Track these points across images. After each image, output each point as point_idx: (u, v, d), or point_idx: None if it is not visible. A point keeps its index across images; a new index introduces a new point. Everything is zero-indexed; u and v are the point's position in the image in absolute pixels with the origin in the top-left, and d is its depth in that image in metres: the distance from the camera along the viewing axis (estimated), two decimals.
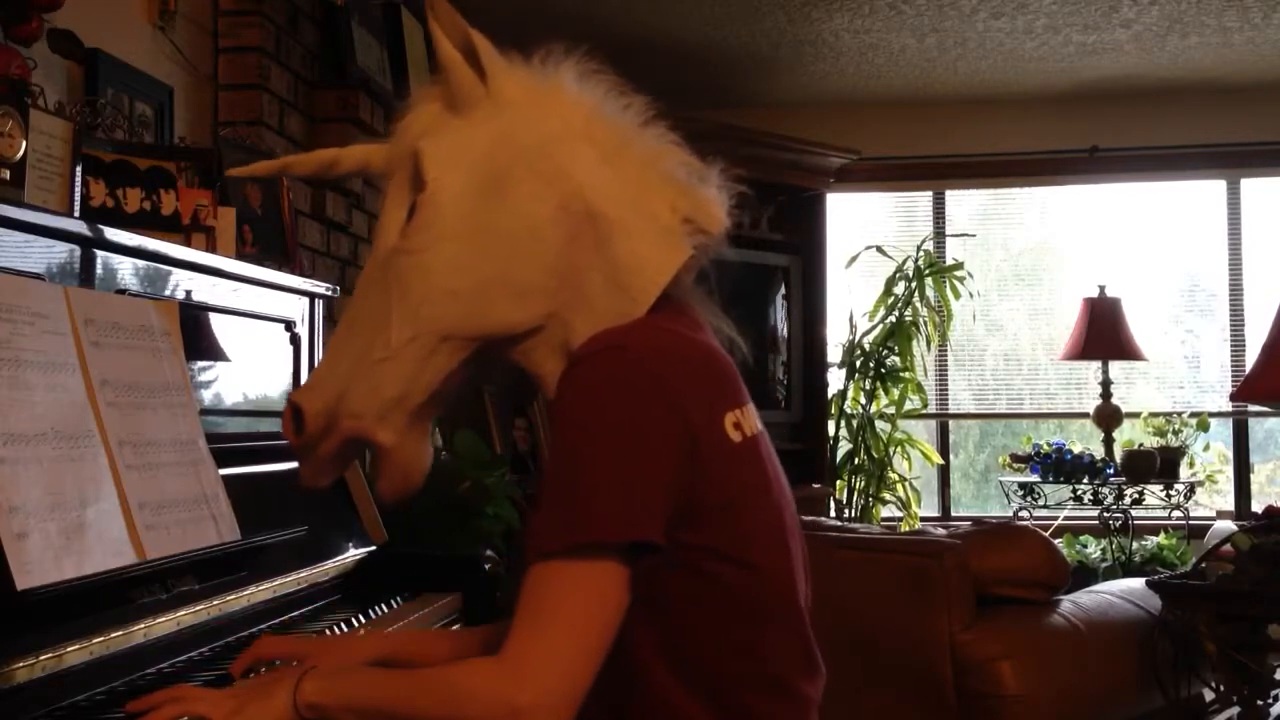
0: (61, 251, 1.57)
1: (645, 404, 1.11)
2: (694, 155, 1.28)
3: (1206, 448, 5.71)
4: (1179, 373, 6.20)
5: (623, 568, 1.09)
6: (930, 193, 6.21)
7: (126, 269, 1.70)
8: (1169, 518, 5.44)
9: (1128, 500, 5.34)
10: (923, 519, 5.78)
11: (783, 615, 1.19)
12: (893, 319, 5.68)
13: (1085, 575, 5.02)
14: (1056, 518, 5.52)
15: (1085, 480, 5.33)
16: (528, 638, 1.07)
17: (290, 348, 2.19)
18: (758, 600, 1.17)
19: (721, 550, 1.14)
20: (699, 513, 1.12)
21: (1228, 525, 5.01)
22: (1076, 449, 5.42)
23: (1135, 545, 5.38)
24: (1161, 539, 5.44)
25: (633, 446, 1.10)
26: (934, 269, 5.72)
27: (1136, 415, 5.66)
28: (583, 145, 1.22)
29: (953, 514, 6.13)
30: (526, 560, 1.10)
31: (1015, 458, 5.62)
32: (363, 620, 1.84)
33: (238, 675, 1.39)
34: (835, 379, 5.72)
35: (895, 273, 5.73)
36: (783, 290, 5.66)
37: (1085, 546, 5.46)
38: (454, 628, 2.01)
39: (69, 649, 1.32)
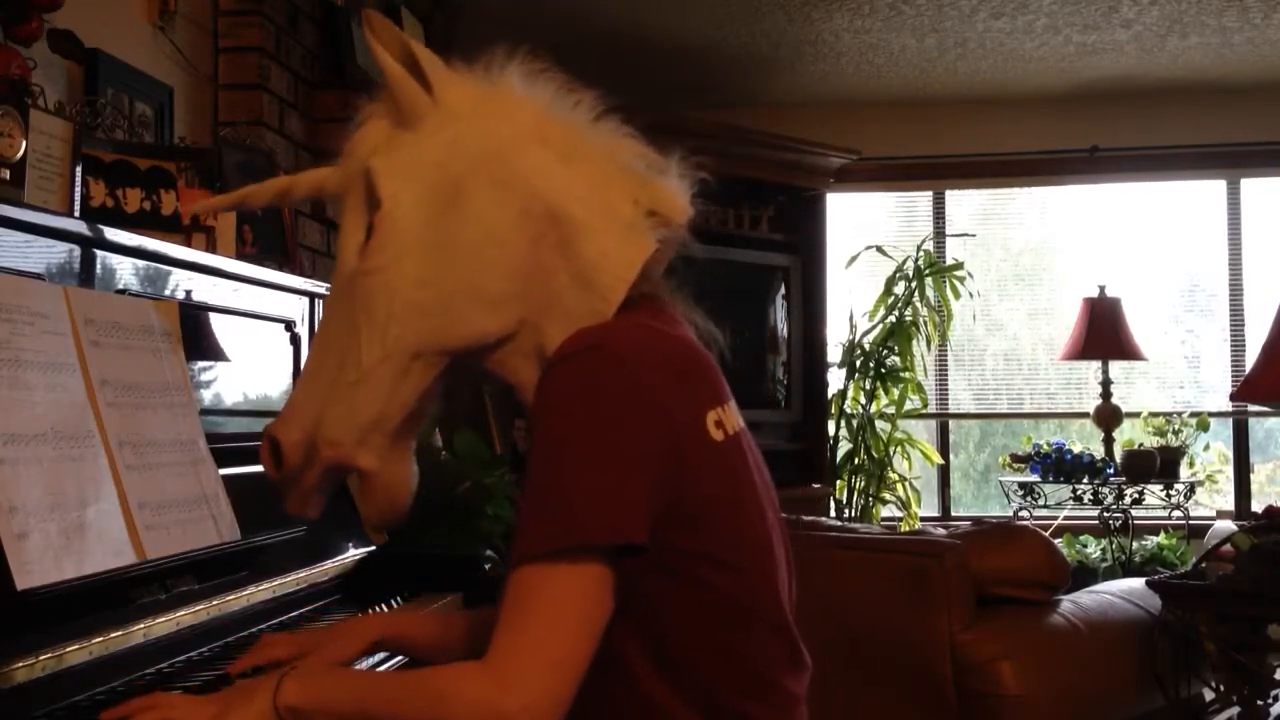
0: (61, 251, 1.57)
1: (626, 404, 1.10)
2: (650, 146, 1.26)
3: (1206, 448, 5.71)
4: (1179, 373, 6.20)
5: (607, 569, 1.08)
6: (930, 193, 6.21)
7: (126, 269, 1.70)
8: (1169, 518, 5.44)
9: (1128, 500, 5.34)
10: (923, 519, 5.78)
11: (767, 614, 1.18)
12: (893, 319, 5.68)
13: (1085, 575, 5.02)
14: (1056, 518, 5.52)
15: (1085, 480, 5.33)
16: (513, 642, 1.05)
17: (290, 348, 2.19)
18: (741, 600, 1.16)
19: (704, 551, 1.13)
20: (682, 513, 1.11)
21: (1228, 525, 5.01)
22: (1076, 449, 5.42)
23: (1135, 545, 5.38)
24: (1161, 539, 5.45)
25: (614, 448, 1.09)
26: (934, 269, 5.72)
27: (1136, 415, 5.66)
28: (536, 147, 1.21)
29: (953, 514, 6.13)
30: (509, 564, 1.09)
31: (1015, 458, 5.62)
32: None
33: (235, 676, 1.39)
34: (835, 379, 5.72)
35: (895, 273, 5.73)
36: (783, 290, 5.65)
37: (1085, 546, 5.47)
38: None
39: (69, 649, 1.32)
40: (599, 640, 1.08)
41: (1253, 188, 5.98)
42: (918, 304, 5.67)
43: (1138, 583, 3.29)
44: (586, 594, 1.07)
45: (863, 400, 5.69)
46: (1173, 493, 5.38)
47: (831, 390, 5.70)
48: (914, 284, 5.68)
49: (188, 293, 1.84)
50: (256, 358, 2.07)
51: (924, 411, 5.91)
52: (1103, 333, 5.50)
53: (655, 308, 1.23)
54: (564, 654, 1.05)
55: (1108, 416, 5.52)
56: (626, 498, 1.08)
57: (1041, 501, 5.47)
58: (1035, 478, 5.44)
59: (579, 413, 1.10)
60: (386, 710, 1.09)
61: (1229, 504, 5.88)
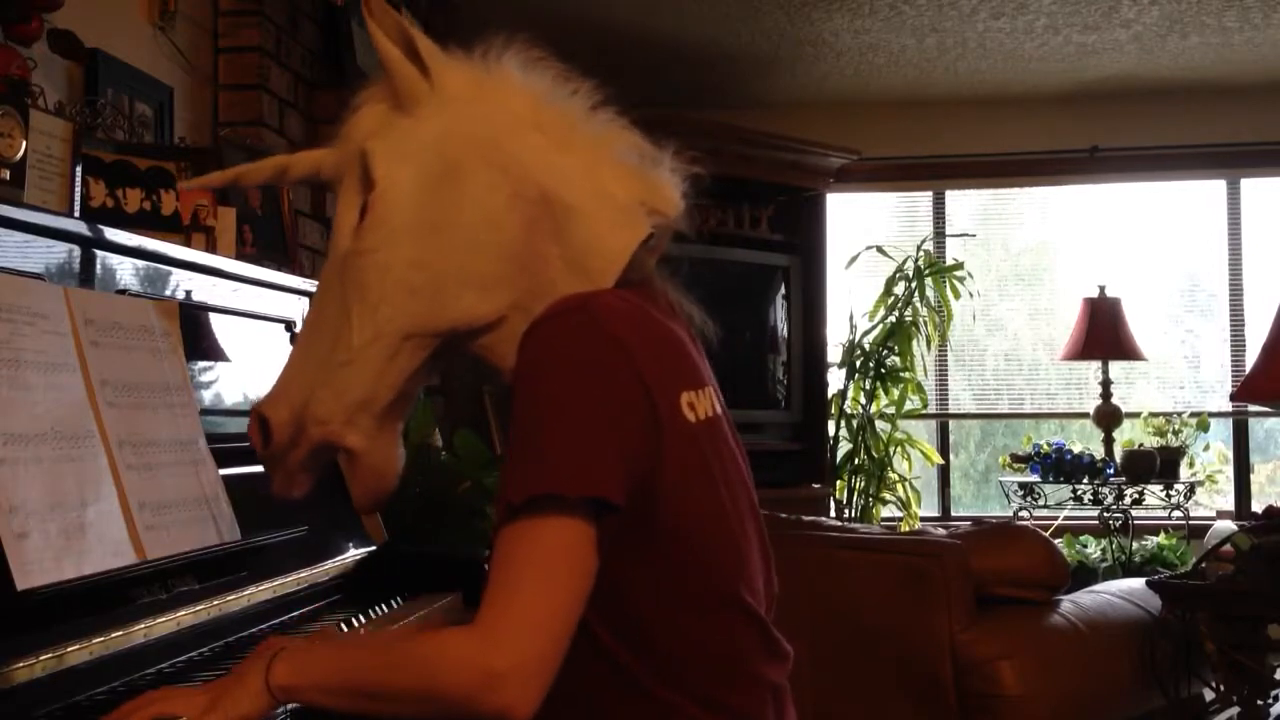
0: (61, 251, 1.57)
1: (607, 365, 1.10)
2: (644, 138, 1.27)
3: (1206, 448, 5.71)
4: (1179, 373, 6.20)
5: (587, 526, 1.08)
6: (930, 193, 6.21)
7: (126, 269, 1.70)
8: (1169, 518, 5.44)
9: (1128, 500, 5.34)
10: (923, 519, 5.78)
11: (735, 600, 1.18)
12: (893, 319, 5.68)
13: (1085, 575, 5.02)
14: (1056, 518, 5.52)
15: (1085, 480, 5.33)
16: (499, 602, 1.06)
17: (290, 348, 2.19)
18: (708, 584, 1.16)
19: (670, 529, 1.13)
20: (652, 487, 1.11)
21: (1228, 525, 5.01)
22: (1076, 449, 5.42)
23: (1135, 545, 5.38)
24: (1161, 539, 5.45)
25: (592, 406, 1.09)
26: (934, 269, 5.72)
27: (1136, 415, 5.66)
28: (532, 133, 1.22)
29: (953, 514, 6.13)
30: (494, 526, 1.10)
31: (1015, 458, 5.62)
32: (363, 620, 1.84)
33: None
34: (835, 379, 5.72)
35: (895, 273, 5.73)
36: (783, 290, 5.65)
37: (1085, 546, 5.46)
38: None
39: (69, 649, 1.32)
40: (585, 596, 1.08)
41: (1253, 188, 5.98)
42: (918, 304, 5.67)
43: (1138, 583, 3.30)
44: (570, 551, 1.07)
45: (863, 400, 5.69)
46: (1173, 493, 5.38)
47: (831, 390, 5.70)
48: (914, 284, 5.68)
49: (188, 293, 1.84)
50: (256, 358, 2.07)
51: (924, 412, 5.91)
52: (1103, 333, 5.50)
53: (646, 294, 1.23)
54: (549, 610, 1.05)
55: (1108, 416, 5.52)
56: (602, 453, 1.08)
57: (1041, 501, 5.47)
58: (1035, 478, 5.44)
59: (559, 370, 1.10)
60: (377, 680, 1.10)
61: (1229, 504, 5.88)
